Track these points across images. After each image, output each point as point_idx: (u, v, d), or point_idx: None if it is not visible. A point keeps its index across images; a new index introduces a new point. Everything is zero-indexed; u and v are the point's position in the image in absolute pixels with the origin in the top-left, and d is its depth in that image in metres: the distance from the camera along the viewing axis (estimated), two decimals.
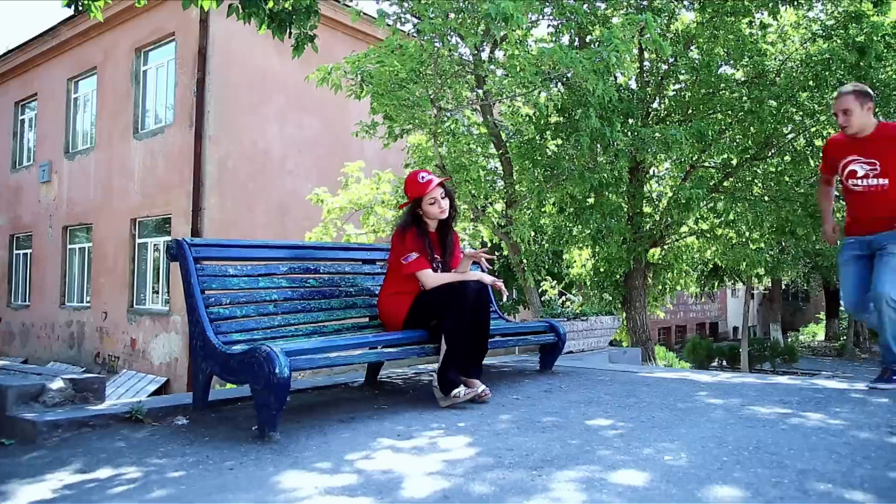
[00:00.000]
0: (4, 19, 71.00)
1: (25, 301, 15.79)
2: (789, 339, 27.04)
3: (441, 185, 3.78)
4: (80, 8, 5.10)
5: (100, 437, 2.86)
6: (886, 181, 3.78)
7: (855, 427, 2.81)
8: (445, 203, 3.77)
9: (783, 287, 28.54)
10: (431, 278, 3.64)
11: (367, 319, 3.98)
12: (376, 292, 3.97)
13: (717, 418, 3.04)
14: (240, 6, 4.64)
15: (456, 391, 3.38)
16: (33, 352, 14.88)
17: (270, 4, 4.59)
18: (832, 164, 4.05)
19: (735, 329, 32.13)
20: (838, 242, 4.27)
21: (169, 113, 12.22)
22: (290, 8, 4.74)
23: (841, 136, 3.99)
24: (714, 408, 3.31)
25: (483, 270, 3.94)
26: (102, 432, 2.92)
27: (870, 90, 3.89)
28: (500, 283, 3.84)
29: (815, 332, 32.37)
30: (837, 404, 3.33)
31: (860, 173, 3.85)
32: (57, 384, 3.16)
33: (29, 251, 15.68)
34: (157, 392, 10.98)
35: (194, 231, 11.02)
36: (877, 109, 9.23)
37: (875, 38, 8.41)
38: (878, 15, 8.82)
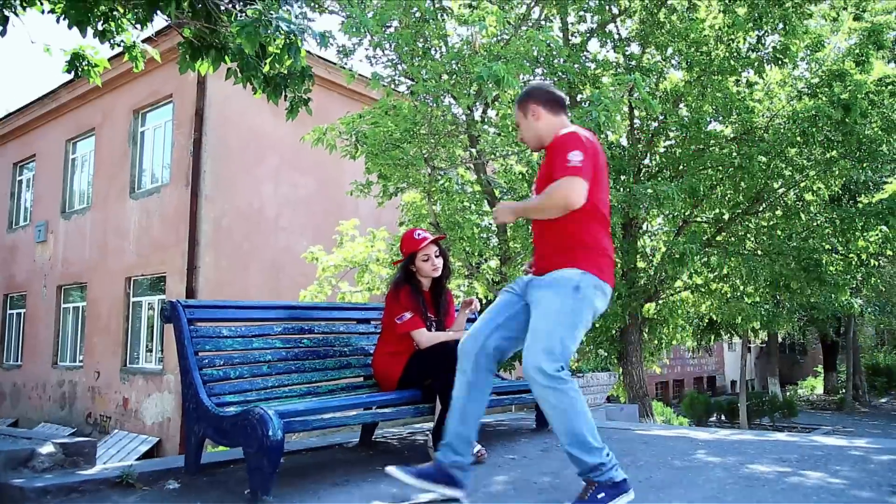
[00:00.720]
0: (4, 82, 72.20)
1: (17, 361, 15.64)
2: (788, 393, 26.81)
3: (436, 243, 3.81)
4: (80, 73, 5.21)
5: (90, 502, 2.80)
6: None
7: (856, 486, 2.78)
8: (439, 262, 3.79)
9: (780, 340, 28.45)
10: (426, 337, 3.63)
11: (361, 379, 3.95)
12: (371, 351, 3.95)
13: (715, 478, 3.01)
14: (237, 71, 4.74)
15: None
16: (24, 412, 14.66)
17: (266, 69, 4.69)
18: None
19: (733, 383, 31.89)
20: None
21: (165, 173, 12.34)
22: (286, 72, 4.84)
23: None
24: (713, 466, 3.27)
25: None
26: (92, 497, 2.87)
27: None
28: (474, 300, 3.97)
29: (813, 386, 32.13)
30: (837, 462, 3.29)
31: None
32: (46, 448, 3.11)
33: (23, 311, 15.60)
34: (149, 452, 10.79)
35: (189, 290, 11.00)
36: (864, 165, 9.45)
37: (859, 96, 8.60)
38: (860, 73, 9.04)
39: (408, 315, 3.61)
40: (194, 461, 3.27)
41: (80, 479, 2.98)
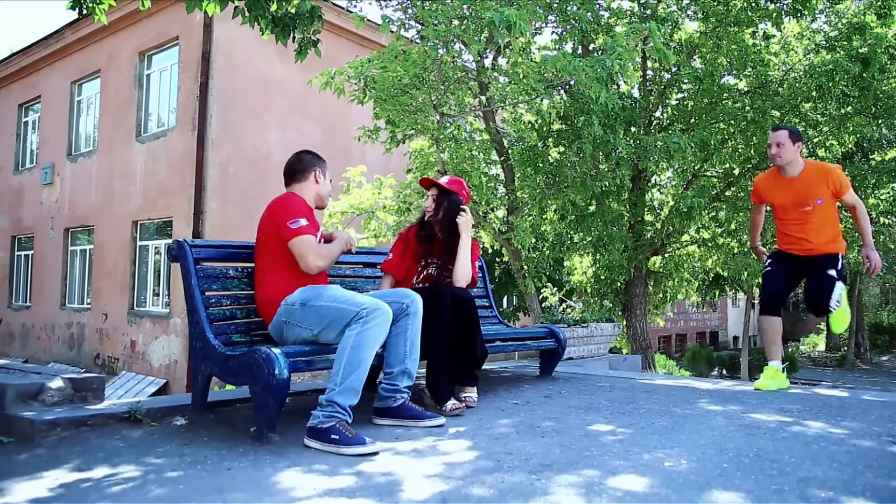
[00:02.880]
0: (8, 22, 71.25)
1: (26, 302, 15.79)
2: (790, 350, 26.98)
3: (440, 188, 3.78)
4: (85, 11, 5.11)
5: (98, 436, 2.85)
6: None
7: (857, 436, 2.80)
8: (431, 204, 3.78)
9: None
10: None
11: None
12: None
13: (717, 425, 3.03)
14: (245, 10, 4.65)
15: (446, 405, 3.34)
16: (33, 353, 14.87)
17: (274, 8, 4.60)
18: None
19: (735, 338, 32.09)
20: None
21: (171, 117, 12.25)
22: (294, 12, 4.74)
23: None
24: (714, 415, 3.29)
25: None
26: (101, 431, 2.91)
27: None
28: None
29: (815, 343, 32.32)
30: (839, 413, 3.32)
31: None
32: (56, 383, 3.15)
33: (30, 253, 15.68)
34: (156, 394, 10.96)
35: (196, 234, 11.03)
36: (879, 121, 9.30)
37: (879, 50, 8.42)
38: (881, 27, 8.84)
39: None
40: (201, 399, 3.31)
41: (89, 414, 3.03)
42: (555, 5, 7.65)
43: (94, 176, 13.68)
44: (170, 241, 11.72)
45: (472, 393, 3.54)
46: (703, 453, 2.52)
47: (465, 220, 3.72)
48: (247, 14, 4.63)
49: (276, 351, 2.73)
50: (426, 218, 3.79)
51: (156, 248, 12.44)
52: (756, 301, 29.47)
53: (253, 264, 3.34)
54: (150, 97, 12.93)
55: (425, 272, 3.82)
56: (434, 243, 3.79)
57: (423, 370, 3.58)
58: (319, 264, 3.16)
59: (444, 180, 3.81)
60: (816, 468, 2.31)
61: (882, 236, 10.77)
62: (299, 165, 3.41)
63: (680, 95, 10.05)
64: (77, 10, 5.13)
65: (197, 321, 3.14)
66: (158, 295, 12.36)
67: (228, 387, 5.02)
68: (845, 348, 27.20)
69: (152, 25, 12.34)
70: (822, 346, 31.43)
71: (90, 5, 5.10)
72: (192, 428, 3.04)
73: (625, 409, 3.48)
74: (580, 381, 4.58)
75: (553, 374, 4.81)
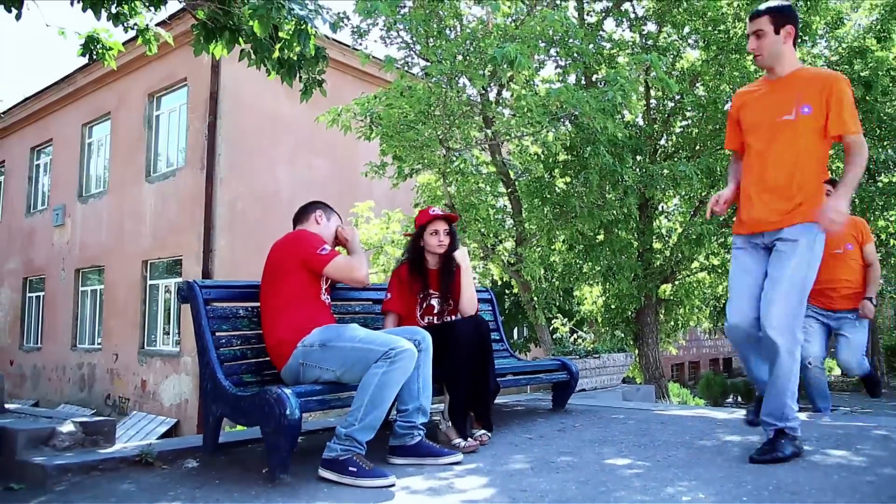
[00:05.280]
0: (21, 67, 72.59)
1: (37, 343, 15.82)
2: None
3: (447, 220, 3.80)
4: (95, 57, 5.20)
5: (109, 480, 2.83)
6: None
7: (879, 464, 2.75)
8: (446, 239, 3.78)
9: None
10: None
11: None
12: None
13: (734, 457, 2.99)
14: (251, 52, 4.72)
15: (458, 441, 3.33)
16: (44, 394, 14.86)
17: (276, 54, 4.66)
18: None
19: None
20: None
21: (180, 156, 12.38)
22: (299, 55, 4.80)
23: None
24: (731, 446, 3.25)
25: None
26: (112, 476, 2.89)
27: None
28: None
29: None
30: (858, 441, 3.26)
31: None
32: (67, 427, 3.14)
33: (41, 294, 15.76)
34: (167, 434, 10.92)
35: (205, 272, 11.07)
36: (885, 143, 9.30)
37: (880, 73, 8.46)
38: (882, 50, 8.89)
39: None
40: (212, 440, 3.29)
41: (100, 458, 3.01)
42: (557, 39, 7.74)
43: (105, 216, 13.80)
44: (179, 279, 11.77)
45: (485, 430, 3.52)
46: (721, 486, 2.48)
47: (462, 252, 3.82)
48: (252, 56, 4.70)
49: (288, 391, 2.72)
50: (439, 251, 3.79)
51: (165, 286, 12.49)
52: None
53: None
54: (159, 137, 13.08)
55: (426, 304, 3.82)
56: (429, 276, 3.80)
57: (436, 405, 3.56)
58: (365, 272, 3.26)
59: (438, 212, 3.84)
60: (839, 500, 2.27)
61: (893, 258, 10.68)
62: (301, 212, 3.58)
63: (684, 123, 10.09)
64: (87, 56, 5.23)
65: (207, 362, 3.13)
66: (168, 334, 12.37)
67: (239, 427, 4.99)
68: None
69: (161, 67, 12.53)
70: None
71: (100, 51, 5.20)
72: (203, 470, 3.02)
73: (640, 441, 3.44)
74: (594, 413, 4.53)
75: (566, 406, 4.77)
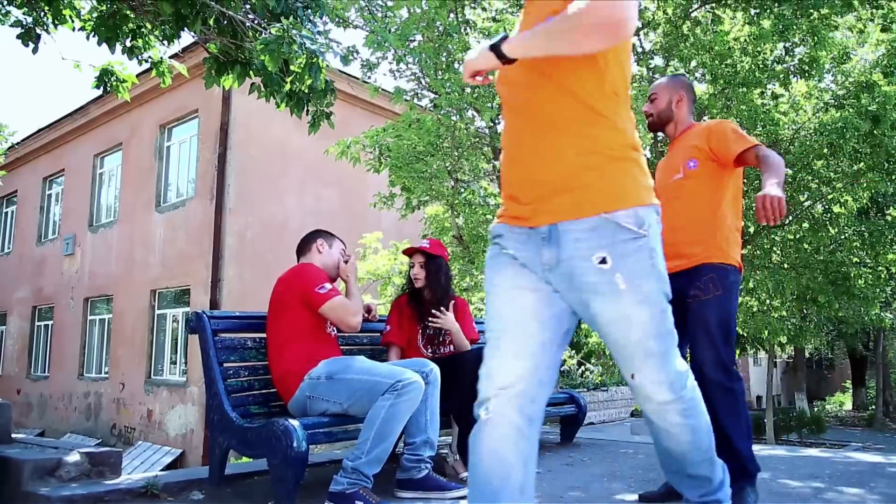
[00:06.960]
0: (36, 99, 73.69)
1: (45, 372, 15.83)
2: (815, 409, 26.35)
3: (424, 255, 3.79)
4: (109, 89, 5.29)
5: None
6: None
7: (893, 502, 2.71)
8: (421, 273, 3.75)
9: (807, 355, 28.00)
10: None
11: None
12: None
13: None
14: (261, 85, 4.79)
15: (466, 475, 3.29)
16: (50, 423, 14.82)
17: (287, 87, 4.72)
18: None
19: (759, 398, 31.39)
20: None
21: (190, 187, 12.48)
22: (307, 89, 4.87)
23: None
24: None
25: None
26: None
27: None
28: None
29: (842, 402, 31.56)
30: (871, 478, 3.22)
31: None
32: (73, 458, 3.13)
33: (50, 323, 15.81)
34: (172, 464, 10.85)
35: (213, 302, 11.08)
36: (893, 177, 9.29)
37: (889, 107, 8.49)
38: (889, 85, 8.93)
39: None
40: (218, 472, 3.27)
41: (106, 489, 2.99)
42: None
43: (114, 246, 13.88)
44: (187, 309, 11.79)
45: None
46: None
47: (446, 320, 3.64)
48: (262, 90, 4.76)
49: (295, 423, 2.71)
50: (416, 285, 3.79)
51: (173, 316, 12.50)
52: (778, 359, 28.81)
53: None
54: (169, 168, 13.21)
55: (428, 332, 3.82)
56: (425, 307, 3.79)
57: (445, 437, 3.54)
58: (358, 319, 3.22)
59: (423, 245, 3.84)
60: None
61: None
62: (303, 243, 3.59)
63: None
64: (101, 88, 5.31)
65: (215, 393, 3.13)
66: (175, 363, 12.36)
67: (244, 459, 4.96)
68: (873, 407, 26.52)
69: (173, 99, 12.69)
70: (848, 405, 30.68)
71: (114, 84, 5.29)
72: (209, 502, 3.00)
73: (649, 476, 3.40)
74: (602, 447, 4.49)
75: (574, 440, 4.72)
